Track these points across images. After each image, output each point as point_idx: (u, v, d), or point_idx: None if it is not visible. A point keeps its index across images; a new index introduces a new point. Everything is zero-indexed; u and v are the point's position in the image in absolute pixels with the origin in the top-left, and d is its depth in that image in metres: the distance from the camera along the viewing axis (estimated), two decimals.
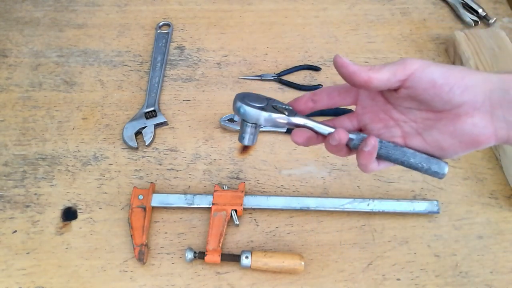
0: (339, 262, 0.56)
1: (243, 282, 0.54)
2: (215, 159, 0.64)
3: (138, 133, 0.65)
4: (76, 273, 0.55)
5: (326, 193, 0.61)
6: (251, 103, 0.39)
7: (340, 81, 0.38)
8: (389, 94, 0.39)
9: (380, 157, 0.40)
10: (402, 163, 0.40)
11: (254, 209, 0.59)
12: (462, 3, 0.81)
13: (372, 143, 0.38)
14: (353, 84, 0.37)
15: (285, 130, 0.66)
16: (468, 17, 0.79)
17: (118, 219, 0.58)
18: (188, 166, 0.63)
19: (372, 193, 0.61)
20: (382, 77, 0.36)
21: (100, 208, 0.59)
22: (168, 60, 0.74)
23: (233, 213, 0.57)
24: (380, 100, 0.41)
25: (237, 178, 0.62)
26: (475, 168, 0.63)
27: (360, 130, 0.43)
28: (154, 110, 0.67)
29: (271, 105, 0.40)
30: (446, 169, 0.40)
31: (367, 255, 0.56)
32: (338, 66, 0.37)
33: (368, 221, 0.59)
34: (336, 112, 0.59)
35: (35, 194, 0.60)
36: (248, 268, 0.54)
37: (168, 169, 0.63)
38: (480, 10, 0.79)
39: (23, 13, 0.80)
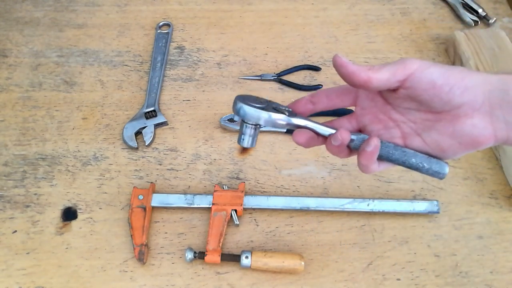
0: (339, 262, 0.56)
1: (243, 282, 0.54)
2: (215, 159, 0.64)
3: (138, 133, 0.65)
4: (76, 273, 0.55)
5: (326, 193, 0.61)
6: (251, 104, 0.38)
7: (340, 81, 0.38)
8: (389, 95, 0.39)
9: (380, 158, 0.40)
10: (403, 164, 0.40)
11: (254, 209, 0.59)
12: (462, 3, 0.81)
13: (375, 143, 0.38)
14: (352, 84, 0.37)
15: (285, 130, 0.66)
16: (468, 17, 0.79)
17: (118, 219, 0.59)
18: (188, 166, 0.63)
19: (372, 193, 0.61)
20: (382, 77, 0.36)
21: (100, 208, 0.59)
22: (168, 60, 0.74)
23: (233, 213, 0.57)
24: (379, 101, 0.41)
25: (237, 178, 0.62)
26: (475, 168, 0.63)
27: (359, 131, 0.42)
28: (154, 110, 0.67)
29: (271, 106, 0.40)
30: (447, 169, 0.40)
31: (367, 255, 0.56)
32: (338, 66, 0.37)
33: (368, 221, 0.59)
34: (337, 113, 0.58)
35: (35, 194, 0.61)
36: (248, 268, 0.54)
37: (168, 169, 0.63)
38: (480, 10, 0.79)
39: (23, 13, 0.80)
